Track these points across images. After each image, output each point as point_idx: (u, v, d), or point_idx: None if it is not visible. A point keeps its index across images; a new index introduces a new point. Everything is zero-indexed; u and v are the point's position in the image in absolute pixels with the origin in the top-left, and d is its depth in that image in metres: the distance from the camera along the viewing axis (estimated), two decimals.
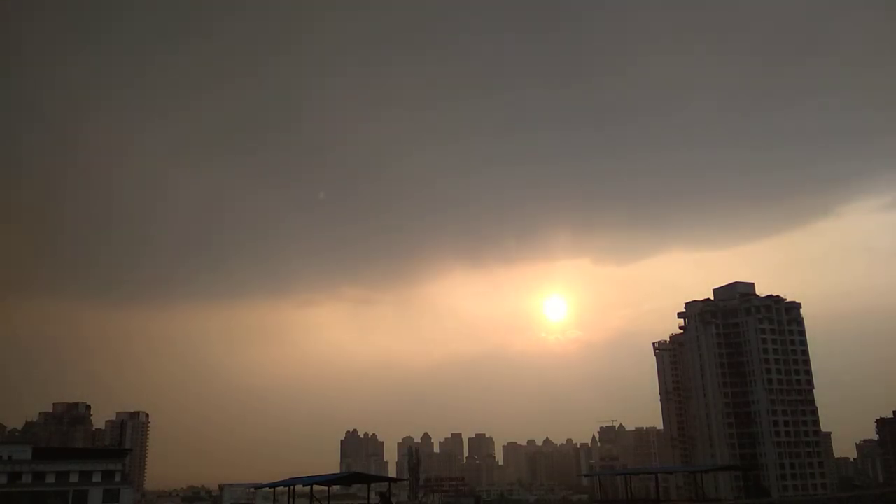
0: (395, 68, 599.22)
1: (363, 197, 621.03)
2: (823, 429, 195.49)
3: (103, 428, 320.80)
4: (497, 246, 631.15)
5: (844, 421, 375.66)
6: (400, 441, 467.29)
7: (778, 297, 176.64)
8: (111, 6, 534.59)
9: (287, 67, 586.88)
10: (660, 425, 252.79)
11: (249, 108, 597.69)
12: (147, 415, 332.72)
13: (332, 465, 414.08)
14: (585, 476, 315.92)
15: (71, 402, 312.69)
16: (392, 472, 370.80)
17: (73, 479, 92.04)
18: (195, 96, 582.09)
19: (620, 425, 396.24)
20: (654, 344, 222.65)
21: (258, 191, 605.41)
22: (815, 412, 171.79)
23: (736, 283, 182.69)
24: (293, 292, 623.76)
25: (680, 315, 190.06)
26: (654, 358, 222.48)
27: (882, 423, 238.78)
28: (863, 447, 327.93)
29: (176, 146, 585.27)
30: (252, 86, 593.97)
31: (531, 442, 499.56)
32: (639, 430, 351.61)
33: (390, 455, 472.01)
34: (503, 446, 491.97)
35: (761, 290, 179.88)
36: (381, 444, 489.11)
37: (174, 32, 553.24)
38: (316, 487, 62.38)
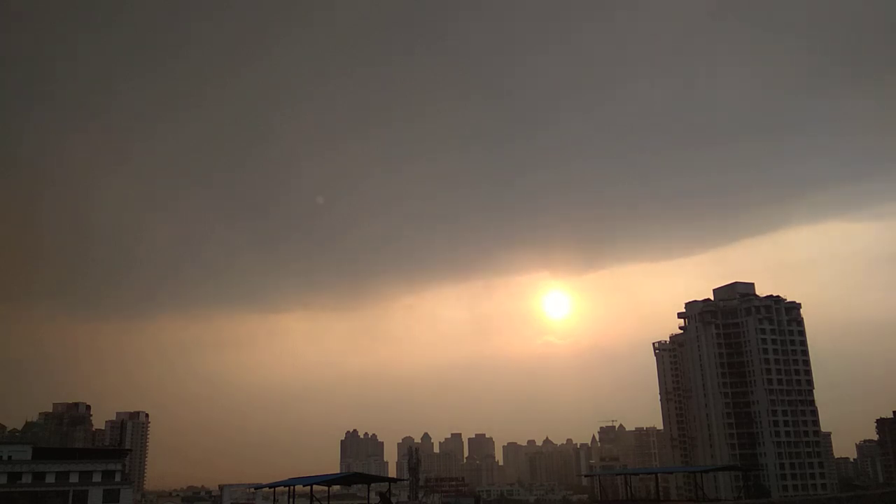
0: (358, 92, 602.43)
1: (351, 208, 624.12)
2: (823, 429, 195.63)
3: (103, 428, 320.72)
4: (479, 260, 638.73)
5: (844, 421, 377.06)
6: (400, 441, 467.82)
7: (778, 297, 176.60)
8: (88, 28, 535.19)
9: (253, 92, 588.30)
10: (660, 425, 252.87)
11: (226, 129, 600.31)
12: (147, 415, 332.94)
13: (332, 465, 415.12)
14: (585, 476, 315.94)
15: (71, 402, 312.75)
16: (392, 472, 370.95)
17: (73, 479, 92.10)
18: (170, 119, 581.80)
19: (620, 425, 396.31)
20: (654, 344, 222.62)
21: (236, 215, 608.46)
22: (815, 412, 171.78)
23: (736, 283, 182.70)
24: (287, 303, 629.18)
25: (680, 315, 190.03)
26: (654, 358, 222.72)
27: (882, 423, 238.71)
28: (863, 447, 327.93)
29: (154, 173, 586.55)
30: (220, 109, 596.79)
31: (531, 442, 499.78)
32: (639, 430, 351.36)
33: (390, 455, 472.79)
34: (503, 446, 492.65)
35: (759, 291, 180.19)
36: (381, 444, 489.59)
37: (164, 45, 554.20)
38: (316, 487, 62.47)
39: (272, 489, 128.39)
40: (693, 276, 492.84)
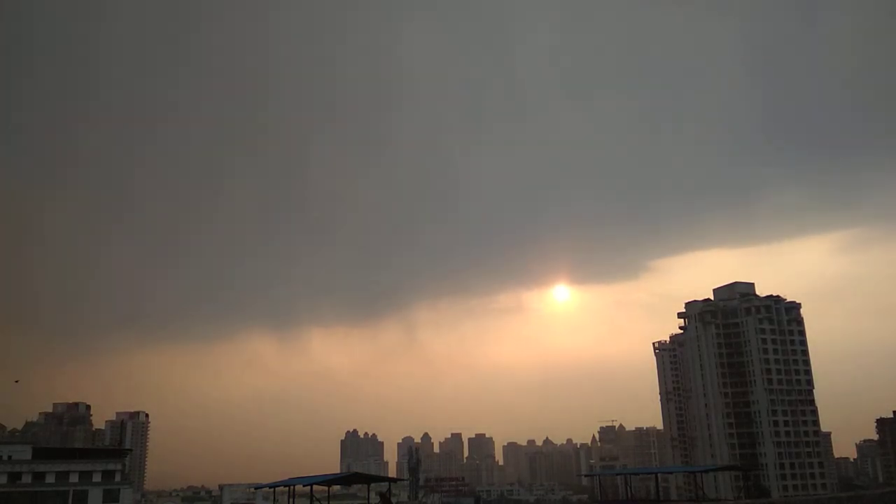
0: None
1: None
2: (823, 429, 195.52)
3: (103, 428, 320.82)
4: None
5: (844, 421, 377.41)
6: (400, 441, 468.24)
7: (778, 296, 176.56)
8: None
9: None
10: (660, 425, 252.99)
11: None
12: (147, 415, 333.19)
13: (332, 465, 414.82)
14: (585, 476, 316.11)
15: (71, 402, 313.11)
16: (392, 472, 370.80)
17: (73, 479, 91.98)
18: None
19: (620, 425, 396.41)
20: (653, 344, 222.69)
21: None
22: (815, 412, 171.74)
23: (736, 282, 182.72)
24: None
25: (680, 315, 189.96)
26: (654, 358, 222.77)
27: (882, 423, 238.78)
28: (863, 447, 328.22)
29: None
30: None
31: (531, 442, 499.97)
32: (639, 430, 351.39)
33: (390, 455, 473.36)
34: (503, 446, 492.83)
35: (761, 291, 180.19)
36: (381, 444, 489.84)
37: None
38: (316, 487, 62.38)
39: (272, 489, 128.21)
40: (694, 275, 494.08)
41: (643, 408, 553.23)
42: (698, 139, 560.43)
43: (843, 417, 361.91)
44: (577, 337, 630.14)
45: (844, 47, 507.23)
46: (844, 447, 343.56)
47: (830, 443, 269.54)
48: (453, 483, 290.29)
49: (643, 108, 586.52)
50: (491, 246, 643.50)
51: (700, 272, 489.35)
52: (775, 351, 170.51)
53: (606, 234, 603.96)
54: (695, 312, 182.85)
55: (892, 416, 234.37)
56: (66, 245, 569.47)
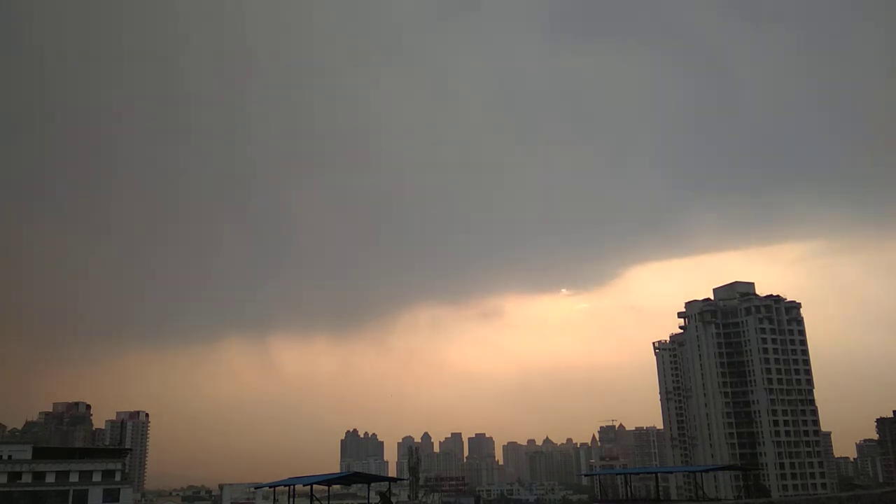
0: None
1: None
2: (823, 429, 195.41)
3: (103, 428, 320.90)
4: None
5: (844, 421, 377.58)
6: (400, 441, 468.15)
7: (778, 296, 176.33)
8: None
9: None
10: (660, 425, 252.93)
11: None
12: (147, 415, 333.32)
13: (332, 465, 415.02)
14: (585, 476, 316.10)
15: (71, 402, 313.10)
16: (392, 472, 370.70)
17: (73, 478, 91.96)
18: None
19: (620, 425, 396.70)
20: (653, 344, 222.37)
21: None
22: (815, 412, 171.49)
23: (735, 282, 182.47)
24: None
25: (680, 315, 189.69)
26: (654, 358, 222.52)
27: (882, 423, 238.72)
28: (863, 447, 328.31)
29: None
30: None
31: (531, 442, 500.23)
32: (639, 430, 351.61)
33: (390, 455, 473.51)
34: (503, 446, 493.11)
35: (761, 290, 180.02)
36: (381, 444, 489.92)
37: None
38: (316, 487, 62.37)
39: (272, 489, 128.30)
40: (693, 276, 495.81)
41: (643, 408, 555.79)
42: (641, 174, 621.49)
43: (843, 417, 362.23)
44: (573, 338, 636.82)
45: (756, 98, 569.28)
46: (844, 447, 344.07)
47: (830, 443, 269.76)
48: (453, 483, 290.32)
49: (585, 144, 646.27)
50: (481, 254, 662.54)
51: (667, 279, 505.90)
52: (775, 351, 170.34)
53: (579, 247, 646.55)
54: (695, 312, 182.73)
55: (892, 415, 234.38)
56: (62, 259, 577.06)
